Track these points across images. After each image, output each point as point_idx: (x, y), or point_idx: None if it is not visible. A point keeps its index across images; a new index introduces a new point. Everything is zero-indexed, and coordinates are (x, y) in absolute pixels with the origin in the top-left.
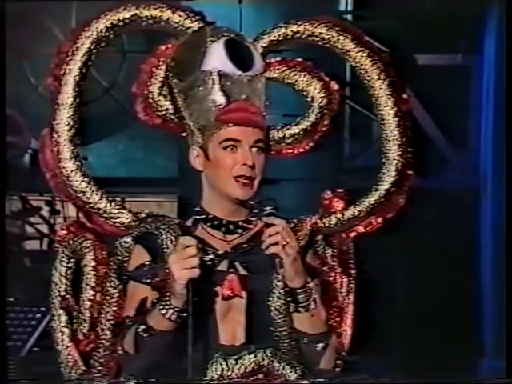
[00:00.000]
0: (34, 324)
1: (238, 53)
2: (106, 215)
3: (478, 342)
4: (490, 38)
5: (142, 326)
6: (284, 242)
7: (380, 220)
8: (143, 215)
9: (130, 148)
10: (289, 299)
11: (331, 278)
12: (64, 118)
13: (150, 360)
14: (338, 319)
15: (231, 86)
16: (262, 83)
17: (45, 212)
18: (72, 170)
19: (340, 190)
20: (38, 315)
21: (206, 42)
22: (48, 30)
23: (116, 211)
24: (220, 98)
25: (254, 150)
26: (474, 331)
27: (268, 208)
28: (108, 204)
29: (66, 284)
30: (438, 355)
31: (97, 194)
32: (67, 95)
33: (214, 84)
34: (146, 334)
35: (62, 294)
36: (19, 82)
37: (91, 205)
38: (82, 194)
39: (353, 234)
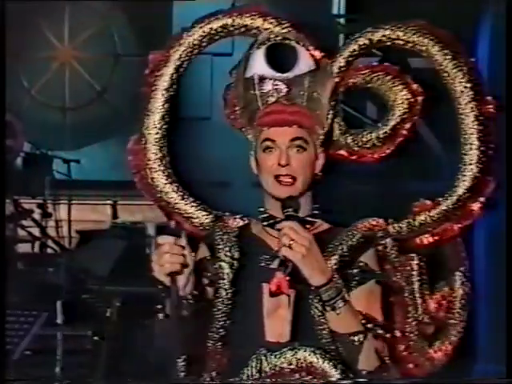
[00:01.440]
0: (26, 327)
1: (279, 55)
2: (185, 215)
3: (472, 345)
4: (484, 42)
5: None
6: (291, 242)
7: (456, 227)
8: (220, 216)
9: (123, 151)
10: (317, 298)
11: (415, 289)
12: (152, 122)
13: (167, 343)
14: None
15: (271, 88)
16: (313, 82)
17: (37, 215)
18: (156, 171)
19: (440, 199)
20: (31, 318)
21: (251, 49)
22: (42, 34)
23: (194, 211)
24: (259, 102)
25: (292, 149)
26: (468, 334)
27: (288, 210)
28: (188, 205)
29: None
30: None
31: (178, 195)
32: (157, 100)
33: (254, 89)
34: (162, 316)
35: None
36: (12, 85)
37: (172, 205)
38: (164, 194)
39: (428, 241)
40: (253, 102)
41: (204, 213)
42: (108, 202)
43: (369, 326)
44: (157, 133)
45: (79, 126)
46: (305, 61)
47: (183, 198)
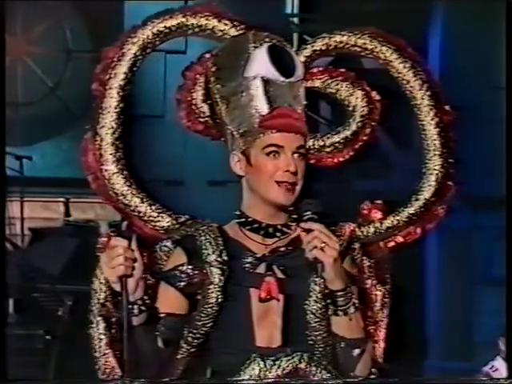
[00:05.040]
0: None
1: (281, 59)
2: (145, 218)
3: (422, 342)
4: (436, 38)
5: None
6: (322, 245)
7: (419, 230)
8: (183, 219)
9: (74, 148)
10: (328, 301)
11: (368, 288)
12: (107, 122)
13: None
14: (372, 330)
15: (274, 92)
16: (303, 89)
17: None
18: (114, 173)
19: (378, 202)
20: None
21: (248, 48)
22: None
23: (156, 215)
24: (263, 105)
25: (296, 156)
26: (418, 331)
27: (307, 213)
28: (148, 207)
29: (106, 292)
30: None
31: (137, 197)
32: (111, 99)
33: (257, 90)
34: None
35: (102, 301)
36: None
37: (131, 208)
38: (122, 196)
39: (391, 244)
40: (250, 102)
41: (164, 216)
42: (61, 199)
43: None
44: (113, 133)
45: (30, 122)
46: (300, 67)
47: (143, 201)
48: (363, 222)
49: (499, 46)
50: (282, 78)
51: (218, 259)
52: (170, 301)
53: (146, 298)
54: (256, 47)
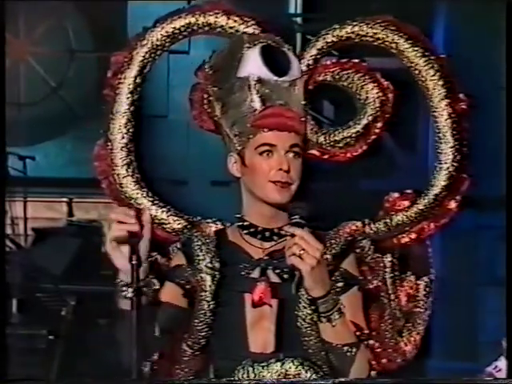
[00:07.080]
0: None
1: (274, 58)
2: (157, 221)
3: (425, 342)
4: (438, 39)
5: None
6: (301, 252)
7: (432, 226)
8: (194, 221)
9: (77, 148)
10: (312, 308)
11: (388, 286)
12: (117, 126)
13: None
14: (397, 327)
15: (267, 91)
16: (301, 88)
17: None
18: (124, 177)
19: (408, 191)
20: None
21: (242, 49)
22: None
23: (167, 217)
24: (256, 104)
25: (289, 154)
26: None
27: (295, 217)
28: (159, 210)
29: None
30: None
31: (148, 200)
32: (121, 103)
33: (250, 90)
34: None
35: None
36: None
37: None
38: (133, 200)
39: (404, 240)
40: (243, 102)
41: (175, 218)
42: (64, 199)
43: (362, 337)
44: (123, 137)
45: (33, 122)
46: (296, 66)
47: (154, 204)
48: (384, 216)
49: (499, 46)
50: (275, 77)
51: (209, 265)
52: (168, 291)
53: (152, 277)
54: (249, 47)
